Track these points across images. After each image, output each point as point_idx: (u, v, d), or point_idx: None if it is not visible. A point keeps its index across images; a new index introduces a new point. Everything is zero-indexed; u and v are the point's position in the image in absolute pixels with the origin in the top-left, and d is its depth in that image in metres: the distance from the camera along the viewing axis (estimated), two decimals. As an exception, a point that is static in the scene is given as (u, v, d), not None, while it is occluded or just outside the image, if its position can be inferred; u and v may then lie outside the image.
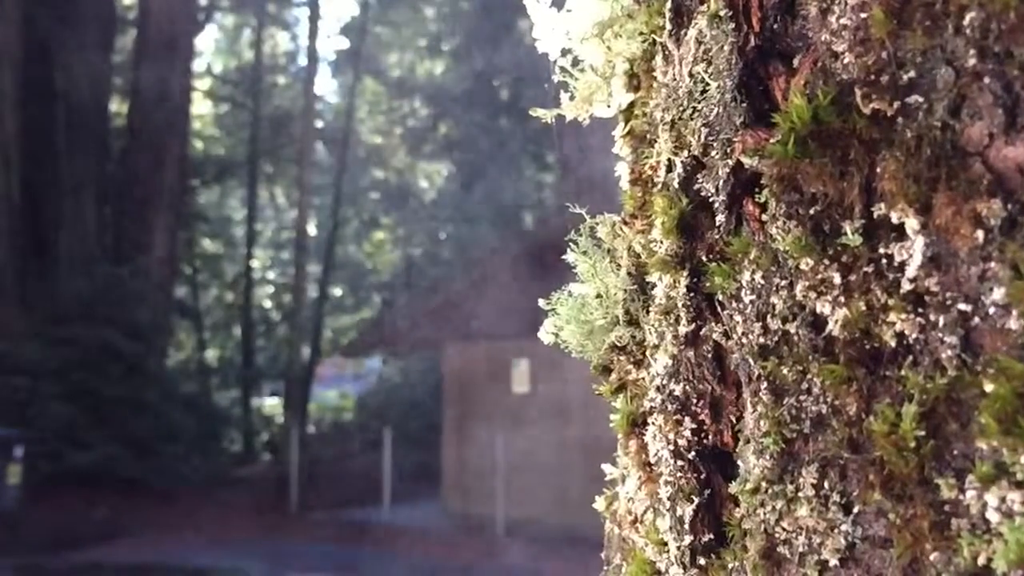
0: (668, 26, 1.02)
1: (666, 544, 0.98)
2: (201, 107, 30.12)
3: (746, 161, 0.88)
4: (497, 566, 14.15)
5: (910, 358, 0.76)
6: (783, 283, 0.84)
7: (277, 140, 28.91)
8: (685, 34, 0.99)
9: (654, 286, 1.03)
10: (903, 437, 0.75)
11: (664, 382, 0.99)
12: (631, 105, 1.19)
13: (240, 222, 30.47)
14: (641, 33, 1.13)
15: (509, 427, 15.77)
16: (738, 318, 0.89)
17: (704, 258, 0.95)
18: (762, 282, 0.86)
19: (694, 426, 0.96)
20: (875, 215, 0.78)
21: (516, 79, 24.71)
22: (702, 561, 0.93)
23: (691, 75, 0.97)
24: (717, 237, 0.93)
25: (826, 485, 0.80)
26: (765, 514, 0.84)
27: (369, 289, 31.56)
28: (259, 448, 27.19)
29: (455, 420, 17.20)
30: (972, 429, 0.72)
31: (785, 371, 0.83)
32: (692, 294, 0.96)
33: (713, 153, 0.93)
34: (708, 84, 0.94)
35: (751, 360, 0.87)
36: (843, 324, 0.79)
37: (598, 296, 1.12)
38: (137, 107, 23.32)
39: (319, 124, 30.12)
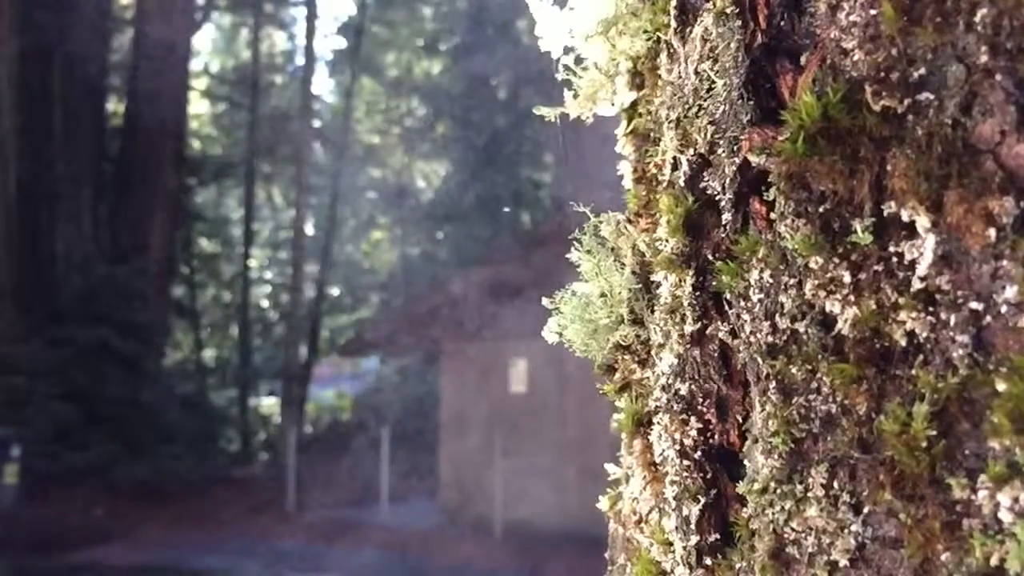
0: (673, 24, 1.02)
1: (672, 544, 0.97)
2: (198, 107, 30.11)
3: (753, 159, 0.87)
4: (495, 566, 14.14)
5: (921, 357, 0.75)
6: (792, 282, 0.83)
7: (274, 140, 28.85)
8: (690, 32, 0.98)
9: (659, 285, 1.03)
10: (914, 437, 0.74)
11: (670, 381, 0.98)
12: (634, 103, 1.19)
13: (237, 222, 30.41)
14: (646, 31, 1.13)
15: (507, 427, 15.77)
16: (746, 317, 0.88)
17: (710, 256, 0.94)
18: (770, 280, 0.85)
19: (700, 425, 0.95)
20: (885, 213, 0.78)
21: (514, 79, 24.71)
22: (708, 561, 0.92)
23: (697, 73, 0.96)
24: (723, 235, 0.93)
25: (836, 485, 0.80)
26: (774, 514, 0.84)
27: (367, 288, 31.52)
28: (256, 448, 27.14)
29: (453, 420, 17.19)
30: (984, 428, 0.71)
31: (794, 370, 0.83)
32: (698, 293, 0.96)
33: (719, 151, 0.92)
34: (714, 82, 0.93)
35: (759, 359, 0.86)
36: (853, 323, 0.79)
37: (602, 295, 1.12)
38: (134, 107, 23.29)
39: (316, 124, 30.10)
